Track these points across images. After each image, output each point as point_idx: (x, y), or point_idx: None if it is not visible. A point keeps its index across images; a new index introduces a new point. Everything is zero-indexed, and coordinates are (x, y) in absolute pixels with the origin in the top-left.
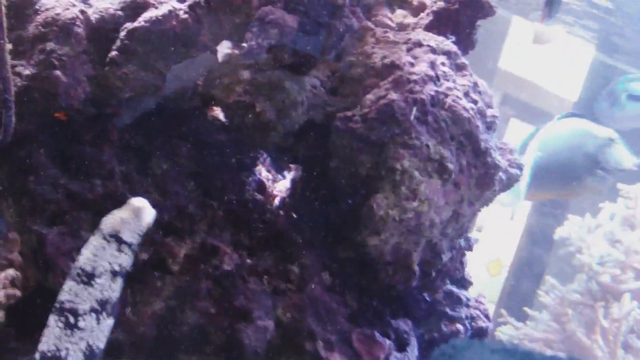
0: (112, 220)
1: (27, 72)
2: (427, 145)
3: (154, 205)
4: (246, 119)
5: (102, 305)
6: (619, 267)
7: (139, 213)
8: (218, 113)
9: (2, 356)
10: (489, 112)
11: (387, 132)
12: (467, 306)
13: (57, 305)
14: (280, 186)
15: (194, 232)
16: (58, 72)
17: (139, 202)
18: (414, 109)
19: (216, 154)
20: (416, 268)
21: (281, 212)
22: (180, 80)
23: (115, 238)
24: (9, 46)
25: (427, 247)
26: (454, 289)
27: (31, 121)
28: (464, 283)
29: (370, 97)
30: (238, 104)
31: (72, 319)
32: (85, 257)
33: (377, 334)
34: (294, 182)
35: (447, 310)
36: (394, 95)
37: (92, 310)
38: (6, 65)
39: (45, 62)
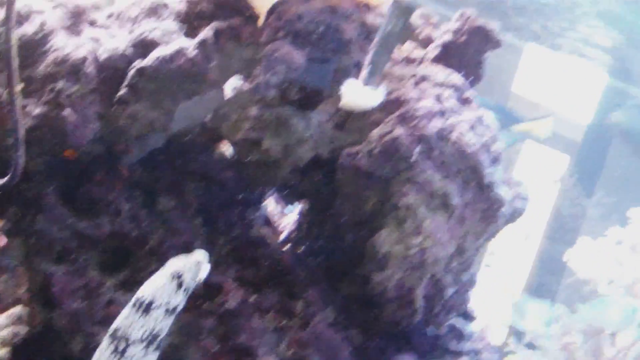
0: (179, 262)
1: (37, 111)
2: (432, 181)
3: (159, 243)
4: (253, 155)
5: (153, 337)
6: (626, 293)
7: (199, 265)
8: (226, 149)
9: None
10: (494, 146)
11: (392, 168)
12: (471, 340)
13: (113, 329)
14: (287, 220)
15: None
16: (67, 111)
17: (202, 255)
18: (419, 145)
19: (223, 190)
20: (420, 304)
21: (287, 247)
22: (188, 117)
23: (178, 279)
24: (19, 86)
25: (431, 282)
26: (459, 323)
27: (40, 160)
28: (468, 317)
29: (375, 132)
30: (245, 141)
31: (122, 346)
32: (149, 289)
33: None
34: (300, 216)
35: (452, 344)
36: (399, 131)
37: (143, 340)
38: (17, 106)
39: (54, 101)
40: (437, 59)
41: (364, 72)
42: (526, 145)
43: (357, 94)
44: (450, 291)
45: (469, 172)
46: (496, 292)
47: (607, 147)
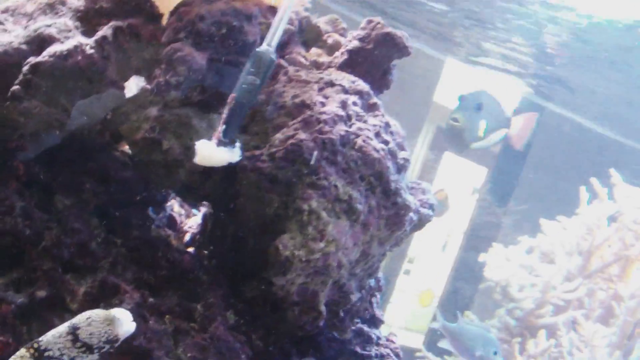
0: (82, 315)
1: None
2: (336, 186)
3: (54, 243)
4: (153, 156)
5: None
6: (536, 302)
7: (113, 321)
8: (126, 149)
9: None
10: (401, 153)
11: (295, 172)
12: (378, 345)
13: None
14: (192, 222)
15: (95, 270)
16: None
17: (120, 312)
18: (323, 150)
19: (122, 190)
20: (323, 309)
21: (189, 250)
22: (86, 115)
23: (73, 332)
24: None
25: (335, 288)
26: (365, 327)
27: None
28: (375, 322)
29: (279, 136)
30: (145, 141)
31: None
32: (49, 335)
33: None
34: (204, 217)
35: (357, 349)
36: (302, 135)
37: None
38: None
39: None
40: (344, 66)
41: (220, 129)
42: (445, 156)
43: (211, 154)
44: (355, 297)
45: (374, 178)
46: (414, 298)
47: (523, 158)
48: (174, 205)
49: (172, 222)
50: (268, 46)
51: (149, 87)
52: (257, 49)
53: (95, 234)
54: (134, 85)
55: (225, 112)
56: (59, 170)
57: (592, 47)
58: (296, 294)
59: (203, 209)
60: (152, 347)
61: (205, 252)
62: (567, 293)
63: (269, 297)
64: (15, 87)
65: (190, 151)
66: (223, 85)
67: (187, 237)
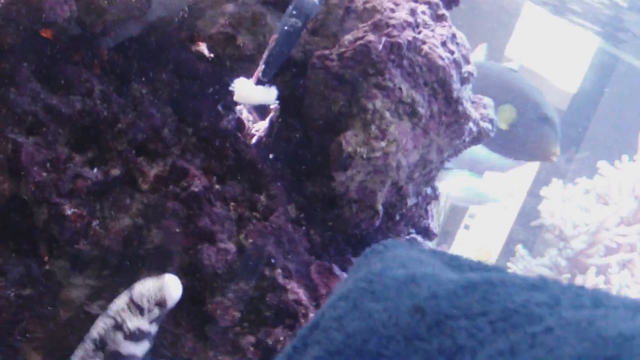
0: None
1: None
2: (400, 88)
3: (129, 125)
4: (227, 50)
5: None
6: (588, 241)
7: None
8: (203, 48)
9: None
10: (466, 66)
11: (361, 72)
12: None
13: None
14: (259, 126)
15: (166, 155)
16: None
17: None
18: (390, 52)
19: (195, 83)
20: (380, 208)
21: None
22: (165, 7)
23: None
24: None
25: (393, 189)
26: (418, 237)
27: (16, 35)
28: (428, 233)
29: (348, 37)
30: (220, 35)
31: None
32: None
33: (335, 267)
34: (271, 121)
35: None
36: (371, 37)
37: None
38: None
39: None
40: None
41: (259, 69)
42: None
43: (249, 92)
44: (411, 201)
45: (437, 84)
46: (472, 252)
47: (590, 114)
48: (243, 111)
49: (240, 125)
50: None
51: None
52: None
53: (168, 122)
54: None
55: (266, 52)
56: (136, 61)
57: None
58: (355, 191)
59: (270, 114)
60: (216, 230)
61: (270, 152)
62: (621, 236)
63: (328, 193)
64: None
65: (262, 47)
66: None
67: (253, 140)
